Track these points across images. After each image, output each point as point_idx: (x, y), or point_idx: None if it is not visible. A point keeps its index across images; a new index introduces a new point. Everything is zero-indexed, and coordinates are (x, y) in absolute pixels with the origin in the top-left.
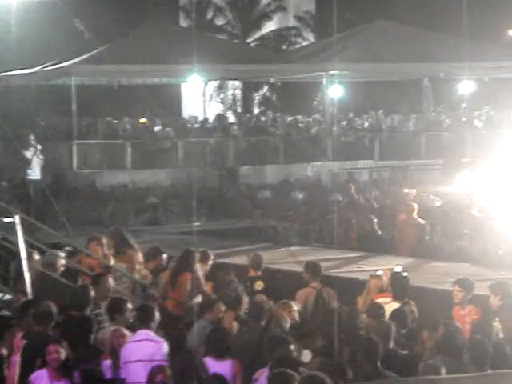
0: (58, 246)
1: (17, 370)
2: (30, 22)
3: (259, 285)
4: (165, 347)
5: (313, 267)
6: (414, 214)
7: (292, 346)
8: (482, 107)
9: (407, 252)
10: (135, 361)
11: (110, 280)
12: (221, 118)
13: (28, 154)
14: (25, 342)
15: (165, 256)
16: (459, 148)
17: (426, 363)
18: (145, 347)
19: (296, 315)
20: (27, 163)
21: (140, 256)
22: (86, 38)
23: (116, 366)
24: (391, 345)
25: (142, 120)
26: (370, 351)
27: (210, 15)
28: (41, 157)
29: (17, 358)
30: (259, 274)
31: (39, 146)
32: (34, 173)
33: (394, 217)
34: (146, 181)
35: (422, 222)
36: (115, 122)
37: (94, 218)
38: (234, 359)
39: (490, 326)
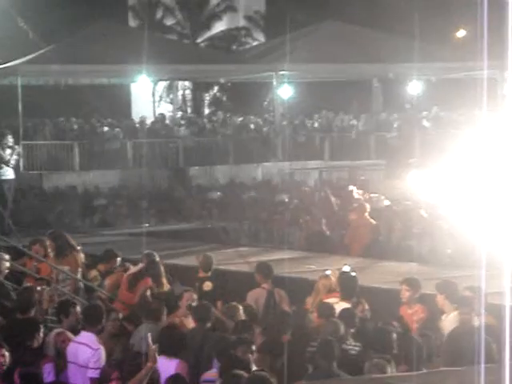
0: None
1: None
2: None
3: (208, 286)
4: (101, 353)
5: (264, 268)
6: (366, 214)
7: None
8: (430, 107)
9: (357, 252)
10: (72, 362)
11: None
12: (162, 118)
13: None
14: None
15: (119, 259)
16: (405, 148)
17: (371, 362)
18: (83, 352)
19: (240, 316)
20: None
21: (82, 258)
22: (30, 38)
23: (59, 368)
24: (342, 345)
25: None
26: (326, 351)
27: (159, 15)
28: (14, 156)
29: None
30: (208, 274)
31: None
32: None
33: (344, 217)
34: (95, 182)
35: (374, 222)
36: (62, 122)
37: (40, 220)
38: (180, 359)
39: (437, 324)
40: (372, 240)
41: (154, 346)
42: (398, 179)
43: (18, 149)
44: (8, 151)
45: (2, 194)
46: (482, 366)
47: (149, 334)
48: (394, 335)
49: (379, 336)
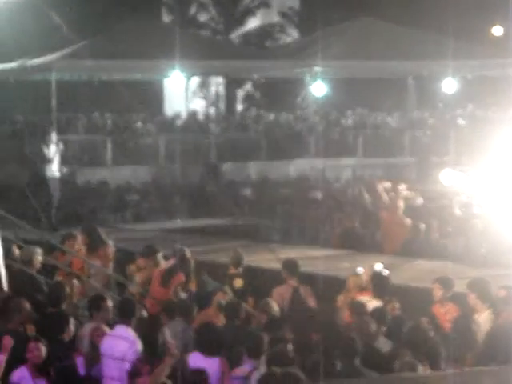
0: (38, 243)
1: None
2: (7, 17)
3: (238, 282)
4: (137, 346)
5: (290, 265)
6: (399, 212)
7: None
8: (465, 105)
9: (390, 250)
10: (109, 356)
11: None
12: (194, 114)
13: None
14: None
15: (160, 254)
16: (437, 146)
17: (402, 361)
18: (119, 345)
19: (274, 312)
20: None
21: (112, 252)
22: (64, 33)
23: (93, 362)
24: (373, 342)
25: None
26: (347, 348)
27: (192, 11)
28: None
29: (3, 357)
30: (239, 271)
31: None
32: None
33: (378, 215)
34: (127, 177)
35: (408, 221)
36: (95, 116)
37: (74, 214)
38: (221, 357)
39: (470, 322)
40: (406, 238)
41: (173, 341)
42: (430, 177)
43: (61, 145)
44: (53, 148)
45: (48, 192)
46: None
47: (166, 330)
48: (429, 334)
49: (412, 335)
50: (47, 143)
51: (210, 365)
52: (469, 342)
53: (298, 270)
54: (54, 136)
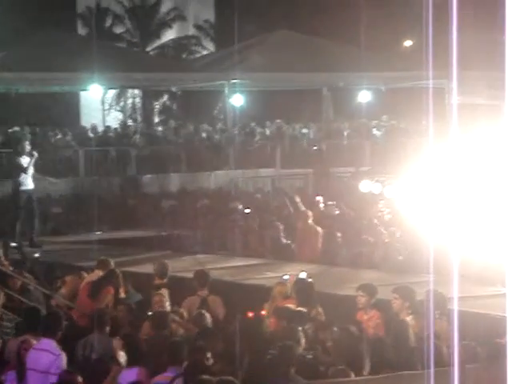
0: None
1: None
2: None
3: (163, 292)
4: (62, 359)
5: (200, 276)
6: (310, 221)
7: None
8: (380, 116)
9: (308, 259)
10: (33, 369)
11: None
12: (123, 127)
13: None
14: None
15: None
16: (355, 157)
17: (336, 368)
18: (43, 358)
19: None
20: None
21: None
22: None
23: (21, 375)
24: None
25: None
26: (285, 356)
27: (108, 23)
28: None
29: None
30: (164, 281)
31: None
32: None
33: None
34: (47, 190)
35: (318, 229)
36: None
37: None
38: (139, 367)
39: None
40: (324, 247)
41: (122, 352)
42: (326, 187)
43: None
44: (26, 159)
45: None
46: (432, 369)
47: (115, 340)
48: (357, 340)
49: (338, 341)
50: (19, 153)
51: (128, 375)
52: (404, 346)
53: (208, 280)
54: (27, 146)
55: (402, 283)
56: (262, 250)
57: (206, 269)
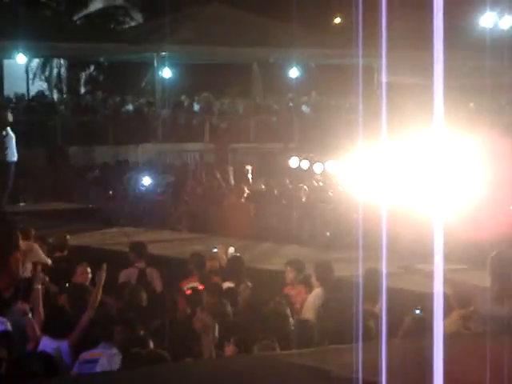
0: None
1: None
2: None
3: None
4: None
5: (138, 247)
6: (244, 196)
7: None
8: (309, 93)
9: (235, 233)
10: None
11: None
12: (42, 96)
13: None
14: None
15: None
16: (284, 133)
17: (261, 343)
18: None
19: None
20: None
21: None
22: None
23: None
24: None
25: None
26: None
27: None
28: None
29: None
30: (65, 253)
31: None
32: None
33: (224, 199)
34: None
35: (252, 205)
36: None
37: None
38: (69, 339)
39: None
40: (251, 222)
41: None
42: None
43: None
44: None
45: None
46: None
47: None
48: (285, 314)
49: (268, 316)
50: None
51: (59, 347)
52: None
53: (146, 252)
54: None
55: (327, 259)
56: (189, 223)
57: (143, 241)
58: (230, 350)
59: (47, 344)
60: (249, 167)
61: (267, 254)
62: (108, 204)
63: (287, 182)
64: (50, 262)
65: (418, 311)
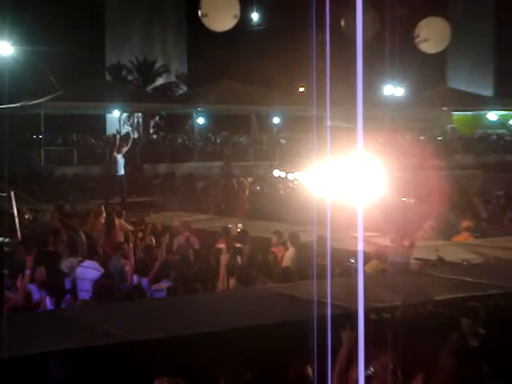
0: None
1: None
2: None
3: None
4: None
5: (185, 224)
6: (246, 194)
7: None
8: (285, 132)
9: (241, 216)
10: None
11: None
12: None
13: None
14: None
15: None
16: (270, 155)
17: (256, 279)
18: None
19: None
20: None
21: None
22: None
23: None
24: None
25: None
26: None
27: (124, 73)
28: None
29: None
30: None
31: None
32: None
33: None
34: None
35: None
36: None
37: None
38: (148, 277)
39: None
40: (251, 209)
41: None
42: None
43: None
44: None
45: None
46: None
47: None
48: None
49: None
50: None
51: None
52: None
53: (190, 226)
54: None
55: (296, 230)
56: (216, 209)
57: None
58: (232, 283)
59: (135, 280)
60: (250, 179)
61: (261, 228)
62: (164, 197)
63: (273, 185)
64: (132, 228)
65: (352, 260)
